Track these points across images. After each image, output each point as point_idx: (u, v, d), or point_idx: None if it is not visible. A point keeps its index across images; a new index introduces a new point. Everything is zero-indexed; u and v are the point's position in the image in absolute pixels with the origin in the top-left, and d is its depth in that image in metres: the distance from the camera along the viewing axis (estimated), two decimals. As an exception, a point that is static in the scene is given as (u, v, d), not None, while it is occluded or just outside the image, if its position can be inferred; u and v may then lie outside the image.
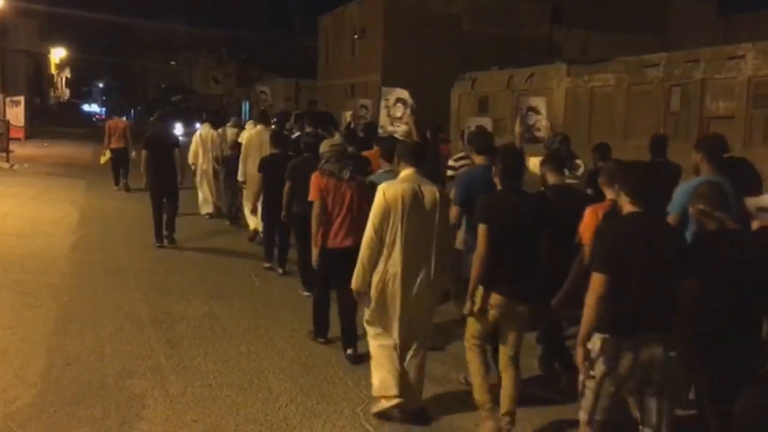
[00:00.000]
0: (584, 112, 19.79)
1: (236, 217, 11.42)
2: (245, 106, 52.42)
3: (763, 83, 14.70)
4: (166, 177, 9.64)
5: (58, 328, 6.12)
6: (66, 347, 5.63)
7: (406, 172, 4.61)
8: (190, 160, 11.93)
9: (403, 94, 9.92)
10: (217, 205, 12.22)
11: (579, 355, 3.50)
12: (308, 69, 41.56)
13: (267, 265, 8.62)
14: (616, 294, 3.36)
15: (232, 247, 9.97)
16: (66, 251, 9.17)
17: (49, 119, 41.46)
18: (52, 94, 58.65)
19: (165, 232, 9.78)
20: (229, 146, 11.76)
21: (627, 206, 3.52)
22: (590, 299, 3.39)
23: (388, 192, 4.47)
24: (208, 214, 12.15)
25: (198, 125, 14.33)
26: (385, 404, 4.52)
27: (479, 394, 4.40)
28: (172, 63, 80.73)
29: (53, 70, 58.68)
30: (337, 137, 7.39)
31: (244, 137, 10.33)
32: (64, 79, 69.47)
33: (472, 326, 4.48)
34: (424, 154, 5.11)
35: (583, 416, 3.60)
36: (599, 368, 3.44)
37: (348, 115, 14.17)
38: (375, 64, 31.09)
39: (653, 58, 17.75)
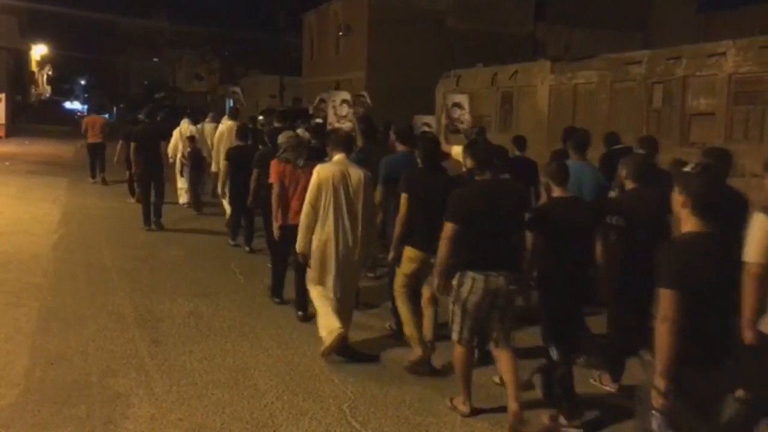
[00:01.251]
0: (568, 108, 19.89)
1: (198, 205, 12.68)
2: (229, 103, 52.15)
3: (744, 80, 14.85)
4: (153, 167, 10.59)
5: (41, 327, 6.07)
6: (49, 346, 5.59)
7: (337, 157, 5.73)
8: (170, 154, 12.53)
9: (347, 95, 11.38)
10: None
11: (439, 286, 4.68)
12: (293, 66, 41.42)
13: (232, 243, 9.75)
14: (470, 241, 4.48)
15: (210, 230, 10.70)
16: (48, 250, 9.09)
17: (31, 117, 41.03)
18: (33, 91, 58.07)
19: (153, 218, 10.68)
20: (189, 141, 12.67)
21: (556, 191, 4.76)
22: (443, 244, 4.51)
23: (321, 173, 5.57)
24: (186, 203, 12.93)
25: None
26: (329, 338, 5.42)
27: (409, 329, 5.46)
28: (155, 60, 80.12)
29: (34, 67, 58.05)
30: (300, 131, 8.19)
31: (216, 132, 11.56)
32: (45, 77, 68.77)
33: (399, 278, 5.56)
34: (353, 143, 6.39)
35: (454, 336, 4.65)
36: (465, 297, 4.48)
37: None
38: (360, 61, 31.04)
39: (635, 56, 17.87)
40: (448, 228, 4.49)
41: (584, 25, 32.02)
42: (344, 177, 5.55)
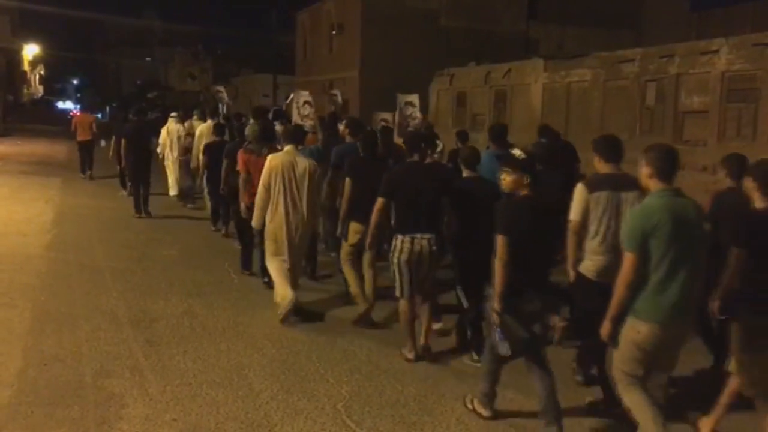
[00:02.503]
0: (561, 107, 19.91)
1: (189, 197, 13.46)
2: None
3: (737, 78, 14.88)
4: (142, 161, 11.72)
5: (34, 328, 6.04)
6: (42, 347, 5.56)
7: (287, 148, 6.71)
8: (159, 150, 13.63)
9: (308, 96, 12.49)
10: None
11: (368, 242, 5.91)
12: (286, 65, 41.35)
13: (213, 229, 10.82)
14: (398, 211, 5.57)
15: (199, 220, 11.37)
16: (41, 250, 9.05)
17: (23, 117, 40.89)
18: (25, 91, 57.82)
19: (142, 207, 11.76)
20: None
21: (465, 172, 5.89)
22: (374, 213, 5.63)
23: (272, 161, 6.59)
24: (175, 195, 13.75)
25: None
26: (284, 304, 6.45)
27: (353, 289, 6.55)
28: (148, 59, 79.90)
29: (26, 67, 57.82)
30: (277, 127, 8.98)
31: (197, 130, 12.54)
32: (37, 76, 68.50)
33: (345, 248, 6.60)
34: (302, 137, 7.41)
35: (397, 293, 5.61)
36: (397, 256, 5.48)
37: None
38: (353, 59, 31.00)
39: (628, 54, 17.88)
40: (379, 201, 5.62)
41: (577, 23, 32.08)
42: (292, 165, 6.57)
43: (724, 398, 4.34)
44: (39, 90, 70.06)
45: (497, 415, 4.66)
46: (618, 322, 3.92)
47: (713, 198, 5.31)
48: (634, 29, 32.57)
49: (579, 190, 4.88)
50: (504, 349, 4.32)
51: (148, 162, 11.87)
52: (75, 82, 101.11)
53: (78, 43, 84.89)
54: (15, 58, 46.48)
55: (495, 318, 4.28)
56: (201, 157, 10.78)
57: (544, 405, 4.35)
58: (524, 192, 4.44)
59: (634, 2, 33.64)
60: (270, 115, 11.29)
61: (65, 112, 63.86)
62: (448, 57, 27.04)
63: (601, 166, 4.90)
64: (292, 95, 14.22)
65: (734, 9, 31.83)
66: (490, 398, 4.68)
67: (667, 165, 3.93)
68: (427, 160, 6.30)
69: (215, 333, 6.15)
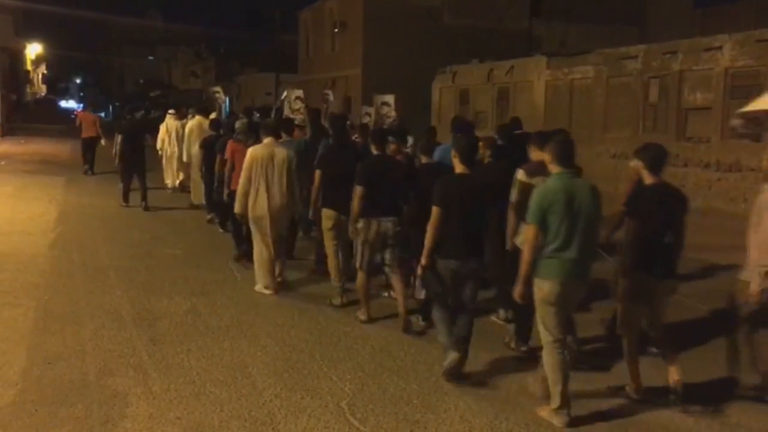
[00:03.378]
0: (564, 104, 19.87)
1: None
2: (225, 101, 52.05)
3: (740, 74, 14.83)
4: (137, 156, 12.56)
5: (38, 326, 6.05)
6: (46, 346, 5.57)
7: (266, 140, 7.41)
8: (158, 146, 14.72)
9: (300, 93, 13.62)
10: (183, 182, 14.56)
11: (352, 231, 6.44)
12: (289, 63, 41.31)
13: (209, 217, 11.33)
14: (369, 195, 6.21)
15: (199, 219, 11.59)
16: (45, 249, 9.07)
17: (26, 116, 40.94)
18: (28, 90, 57.86)
19: (142, 203, 12.43)
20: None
21: (423, 158, 6.83)
22: (356, 201, 6.25)
23: (252, 152, 7.30)
24: (172, 188, 14.72)
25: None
26: (264, 291, 7.33)
27: (334, 274, 7.12)
28: (150, 58, 79.93)
29: (29, 66, 57.83)
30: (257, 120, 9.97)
31: (187, 126, 13.31)
32: (40, 75, 68.48)
33: (326, 233, 7.14)
34: (280, 130, 8.17)
35: (357, 265, 6.43)
36: (362, 235, 6.28)
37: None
38: (355, 57, 30.96)
39: (631, 51, 17.82)
40: (358, 189, 6.23)
41: (579, 20, 31.99)
42: (271, 156, 7.28)
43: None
44: (42, 89, 70.09)
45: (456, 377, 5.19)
46: (528, 283, 4.62)
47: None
48: (637, 26, 32.47)
49: (520, 175, 5.69)
50: (420, 294, 6.06)
51: (142, 157, 12.69)
52: (78, 81, 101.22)
53: (81, 42, 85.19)
54: (18, 57, 46.49)
55: (420, 270, 5.36)
56: (193, 151, 11.82)
57: (455, 335, 5.23)
58: (460, 171, 5.37)
59: (638, -1, 33.57)
60: (272, 113, 12.06)
61: (68, 111, 63.95)
62: (450, 54, 27.00)
63: (537, 155, 5.55)
64: (285, 93, 14.95)
65: (738, 5, 31.70)
66: (452, 343, 5.25)
67: (564, 153, 4.66)
68: (400, 154, 7.29)
69: (219, 331, 6.15)
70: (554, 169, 4.66)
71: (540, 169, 5.25)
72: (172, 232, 10.75)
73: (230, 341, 5.89)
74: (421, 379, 5.21)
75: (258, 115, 13.28)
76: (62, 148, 24.01)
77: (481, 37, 29.77)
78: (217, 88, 17.37)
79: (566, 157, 4.64)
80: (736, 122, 7.28)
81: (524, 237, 4.89)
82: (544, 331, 4.64)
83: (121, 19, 77.11)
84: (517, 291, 4.68)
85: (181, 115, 14.59)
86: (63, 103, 76.99)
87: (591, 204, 4.58)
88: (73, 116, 28.59)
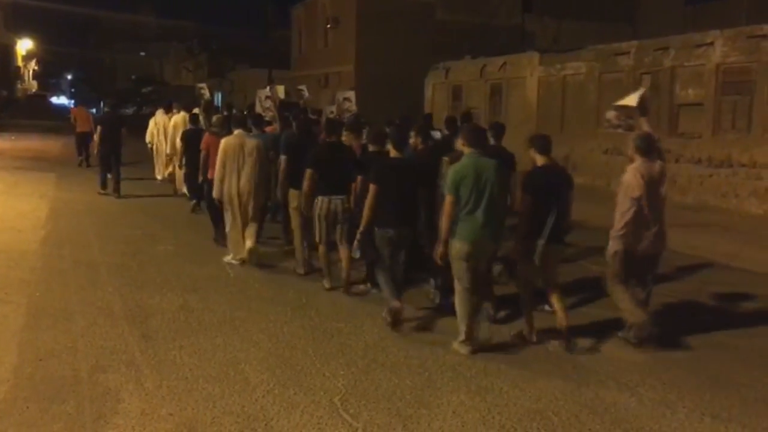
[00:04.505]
0: (557, 100, 19.90)
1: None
2: (218, 97, 51.89)
3: (731, 70, 14.88)
4: (114, 146, 13.41)
5: (30, 323, 6.02)
6: (38, 343, 5.55)
7: (236, 132, 8.37)
8: (147, 139, 15.59)
9: (268, 92, 14.10)
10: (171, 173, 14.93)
11: (306, 208, 7.36)
12: (282, 59, 41.19)
13: (193, 202, 11.90)
14: (321, 177, 7.16)
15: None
16: (36, 245, 9.03)
17: (17, 112, 40.67)
18: (19, 86, 57.50)
19: (113, 188, 13.40)
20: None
21: (374, 147, 7.47)
22: (306, 183, 7.22)
23: (225, 142, 8.24)
24: (161, 179, 15.39)
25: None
26: (232, 261, 8.32)
27: (298, 254, 8.13)
28: (142, 54, 79.54)
29: (20, 62, 57.53)
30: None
31: (172, 120, 14.26)
32: (31, 71, 68.10)
33: (292, 211, 8.19)
34: (248, 122, 9.26)
35: (317, 239, 7.36)
36: (316, 212, 7.19)
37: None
38: (348, 53, 30.92)
39: (623, 47, 17.85)
40: (308, 172, 7.21)
41: (572, 16, 32.02)
42: (241, 145, 8.21)
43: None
44: (33, 85, 69.62)
45: (398, 324, 6.19)
46: (446, 244, 5.61)
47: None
48: (630, 22, 32.54)
49: (445, 163, 6.58)
50: (356, 254, 6.83)
51: (119, 147, 13.56)
52: (69, 77, 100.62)
53: (72, 38, 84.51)
54: (8, 53, 46.26)
55: (358, 236, 6.44)
56: (178, 143, 12.44)
57: (387, 291, 6.29)
58: (392, 154, 6.53)
59: (630, -5, 33.63)
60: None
61: (60, 107, 63.62)
62: (443, 50, 27.00)
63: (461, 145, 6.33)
64: (259, 93, 15.74)
65: (729, 2, 31.81)
66: (394, 294, 6.26)
67: (474, 138, 5.79)
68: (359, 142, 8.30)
69: (211, 327, 6.14)
70: (466, 150, 5.76)
71: (461, 156, 6.06)
72: (164, 228, 10.72)
73: (223, 337, 5.88)
74: (414, 374, 5.22)
75: (246, 112, 13.84)
76: (53, 145, 23.87)
77: (474, 33, 29.77)
78: (202, 85, 17.83)
79: (475, 140, 5.79)
80: (610, 115, 7.71)
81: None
82: (458, 282, 5.70)
83: (113, 15, 76.64)
84: (436, 252, 5.69)
85: (169, 111, 15.24)
86: (54, 99, 76.51)
87: (495, 178, 5.63)
88: (67, 114, 28.77)
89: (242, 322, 6.31)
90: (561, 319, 5.91)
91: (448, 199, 5.58)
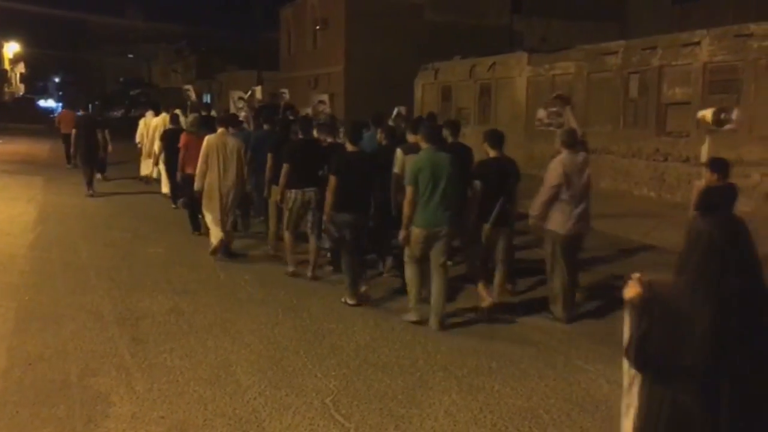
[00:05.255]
0: (546, 99, 19.91)
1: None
2: (206, 98, 51.70)
3: (718, 69, 14.96)
4: (91, 148, 13.99)
5: (19, 327, 5.99)
6: (27, 347, 5.52)
7: (220, 130, 8.90)
8: (137, 140, 15.82)
9: (241, 94, 15.12)
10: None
11: (281, 198, 7.92)
12: (271, 60, 41.09)
13: (174, 206, 12.43)
14: (293, 172, 7.67)
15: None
16: (24, 249, 8.97)
17: (4, 116, 40.37)
18: (6, 89, 57.14)
19: (89, 191, 13.67)
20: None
21: (349, 146, 7.36)
22: (283, 175, 7.81)
23: (207, 140, 8.75)
24: (143, 176, 15.73)
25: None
26: (215, 242, 8.74)
27: (271, 238, 9.08)
28: (130, 56, 79.10)
29: (7, 66, 57.19)
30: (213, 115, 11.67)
31: (153, 121, 14.97)
32: (18, 75, 67.68)
33: (271, 204, 8.86)
34: (229, 122, 9.69)
35: (285, 229, 8.01)
36: (288, 204, 7.80)
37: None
38: (337, 55, 30.87)
39: (611, 46, 17.90)
40: (285, 166, 7.75)
41: (560, 16, 32.13)
42: (223, 144, 8.74)
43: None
44: (20, 88, 69.19)
45: (362, 302, 6.95)
46: (407, 230, 6.32)
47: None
48: (617, 22, 32.67)
49: (398, 154, 7.28)
50: (326, 243, 7.96)
51: (95, 148, 14.19)
52: (57, 80, 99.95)
53: (60, 40, 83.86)
54: (-5, 56, 45.92)
55: (325, 223, 7.28)
56: (157, 143, 12.93)
57: (349, 278, 6.99)
58: (350, 149, 7.17)
59: (617, -5, 33.77)
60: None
61: (47, 110, 63.18)
62: (433, 51, 27.00)
63: (411, 138, 7.39)
64: (232, 94, 16.72)
65: (716, 1, 32.01)
66: (353, 288, 6.94)
67: (430, 135, 6.50)
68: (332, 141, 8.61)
69: (202, 330, 6.12)
70: (424, 146, 6.45)
71: (412, 148, 6.95)
72: (154, 230, 10.67)
73: (214, 339, 5.86)
74: (405, 374, 5.22)
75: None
76: (41, 148, 23.72)
77: (463, 34, 29.80)
78: (188, 86, 18.45)
79: (431, 137, 6.49)
80: (541, 114, 8.78)
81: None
82: (409, 254, 6.42)
83: (100, 17, 76.19)
84: (401, 237, 6.38)
85: (158, 112, 15.63)
86: (42, 102, 75.99)
87: (449, 171, 6.28)
88: (51, 116, 28.84)
89: (233, 324, 6.29)
90: (492, 295, 6.68)
91: (409, 190, 6.23)
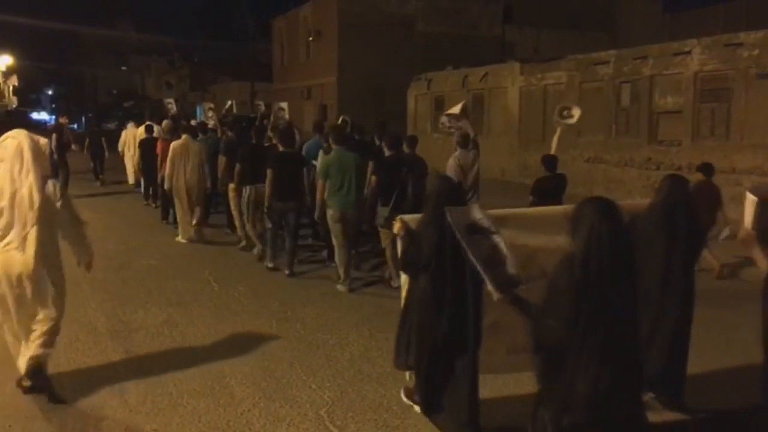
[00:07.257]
0: (538, 109, 20.03)
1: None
2: (199, 110, 51.71)
3: (709, 78, 15.07)
4: (60, 154, 15.86)
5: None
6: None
7: (184, 137, 10.46)
8: (119, 149, 17.50)
9: (211, 105, 16.64)
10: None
11: (229, 197, 10.17)
12: (264, 72, 41.15)
13: (145, 203, 14.72)
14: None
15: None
16: (17, 263, 8.91)
17: (-4, 128, 40.23)
18: (-2, 102, 56.90)
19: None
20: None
21: (281, 147, 8.88)
22: (236, 173, 9.33)
23: (173, 146, 10.38)
24: (132, 184, 17.07)
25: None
26: (182, 240, 10.61)
27: (240, 231, 10.18)
28: (123, 68, 79.10)
29: (-1, 78, 57.01)
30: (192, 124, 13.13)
31: (137, 131, 16.37)
32: (11, 87, 67.45)
33: (232, 202, 10.16)
34: (196, 130, 11.69)
35: (246, 221, 9.54)
36: (245, 197, 9.29)
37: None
38: (330, 66, 30.94)
39: (603, 56, 18.03)
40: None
41: (552, 26, 32.32)
42: (187, 148, 10.34)
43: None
44: (13, 101, 68.91)
45: (278, 268, 8.78)
46: (323, 214, 8.12)
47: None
48: (608, 32, 32.88)
49: (321, 155, 8.81)
50: (268, 224, 9.01)
51: (64, 156, 16.34)
52: (50, 92, 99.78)
53: (52, 53, 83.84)
54: (-12, 69, 45.82)
55: (266, 210, 8.71)
56: (137, 150, 14.66)
57: (269, 250, 8.99)
58: (282, 150, 8.60)
59: (608, 5, 34.00)
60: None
61: (40, 123, 62.98)
62: (425, 61, 27.13)
63: (333, 145, 8.40)
64: (204, 104, 18.21)
65: (706, 10, 32.30)
66: (271, 257, 8.92)
67: (338, 138, 8.18)
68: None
69: (195, 342, 6.10)
70: (334, 147, 8.11)
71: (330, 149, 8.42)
72: (147, 241, 10.65)
73: (207, 351, 5.84)
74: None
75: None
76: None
77: (455, 44, 29.93)
78: (170, 100, 19.88)
79: (339, 140, 8.15)
80: (443, 120, 9.96)
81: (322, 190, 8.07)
82: (336, 241, 8.08)
83: (92, 30, 76.13)
84: (317, 214, 8.38)
85: (140, 124, 17.00)
86: (35, 115, 75.78)
87: (353, 166, 7.94)
88: (44, 128, 29.26)
89: (227, 336, 6.27)
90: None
91: (320, 183, 8.05)
